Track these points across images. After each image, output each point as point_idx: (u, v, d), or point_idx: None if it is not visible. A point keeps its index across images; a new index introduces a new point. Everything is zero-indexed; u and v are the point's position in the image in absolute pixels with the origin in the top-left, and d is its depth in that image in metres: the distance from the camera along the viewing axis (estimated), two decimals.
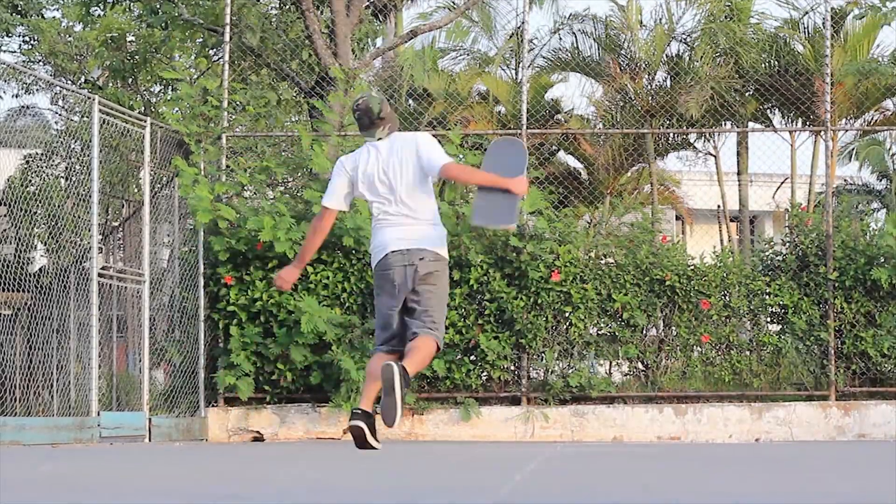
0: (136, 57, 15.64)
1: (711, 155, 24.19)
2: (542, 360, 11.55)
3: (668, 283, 11.53)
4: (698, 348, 11.73)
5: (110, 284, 10.89)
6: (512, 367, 11.61)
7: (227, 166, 11.75)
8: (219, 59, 13.94)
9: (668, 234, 12.58)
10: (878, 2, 12.44)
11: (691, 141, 24.07)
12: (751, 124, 23.74)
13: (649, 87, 22.87)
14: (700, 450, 8.46)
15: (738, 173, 24.09)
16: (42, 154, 13.26)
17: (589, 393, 11.42)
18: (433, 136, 7.77)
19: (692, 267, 11.69)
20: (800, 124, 23.28)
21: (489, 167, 7.54)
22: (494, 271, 11.43)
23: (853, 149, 28.94)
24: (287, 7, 15.14)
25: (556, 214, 11.86)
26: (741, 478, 4.79)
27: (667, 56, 22.91)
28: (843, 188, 27.00)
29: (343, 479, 4.92)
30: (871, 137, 28.08)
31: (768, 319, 11.92)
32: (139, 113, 13.93)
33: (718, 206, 22.77)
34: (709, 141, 24.04)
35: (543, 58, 23.19)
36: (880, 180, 29.31)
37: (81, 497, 4.03)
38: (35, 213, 11.32)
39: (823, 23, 12.64)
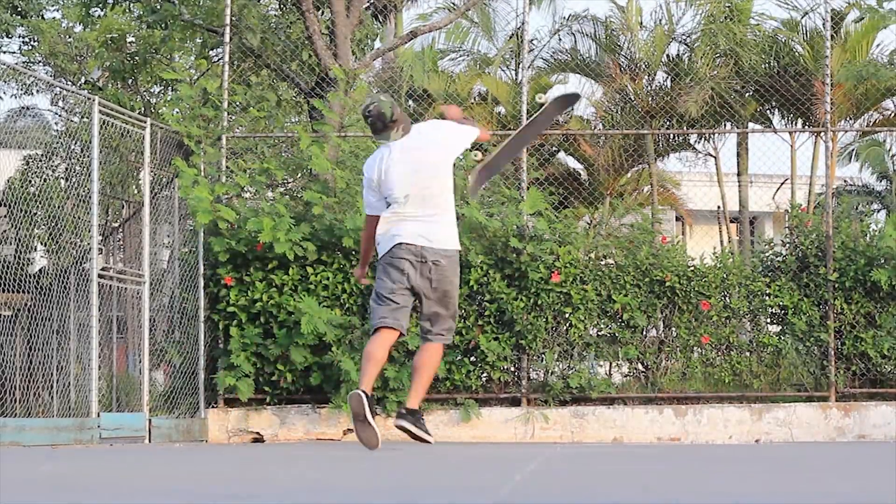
0: (136, 58, 15.65)
1: (711, 156, 24.20)
2: (542, 361, 11.55)
3: (668, 284, 11.53)
4: (698, 349, 11.72)
5: (110, 285, 10.89)
6: (512, 368, 11.61)
7: (227, 167, 11.75)
8: (219, 59, 13.94)
9: (669, 235, 12.57)
10: (875, 3, 12.45)
11: (691, 142, 24.08)
12: (751, 125, 23.75)
13: (649, 87, 22.88)
14: (700, 451, 8.46)
15: (738, 174, 24.10)
16: (42, 155, 13.27)
17: (589, 394, 11.42)
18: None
19: (692, 268, 11.69)
20: (800, 125, 23.28)
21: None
22: (494, 272, 11.43)
23: (853, 149, 28.96)
24: (287, 8, 15.14)
25: (556, 215, 11.86)
26: (741, 478, 4.79)
27: (667, 57, 22.92)
28: (843, 189, 27.01)
29: (343, 480, 4.92)
30: (871, 138, 28.09)
31: (768, 320, 11.91)
32: (139, 114, 13.92)
33: (718, 207, 22.77)
34: (709, 142, 24.05)
35: (543, 59, 23.20)
36: (880, 181, 29.32)
37: (81, 497, 4.03)
38: (35, 214, 11.32)
39: (823, 24, 12.65)
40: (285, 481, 4.76)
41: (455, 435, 11.28)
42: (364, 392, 7.36)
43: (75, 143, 12.60)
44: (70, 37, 19.50)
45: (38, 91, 19.74)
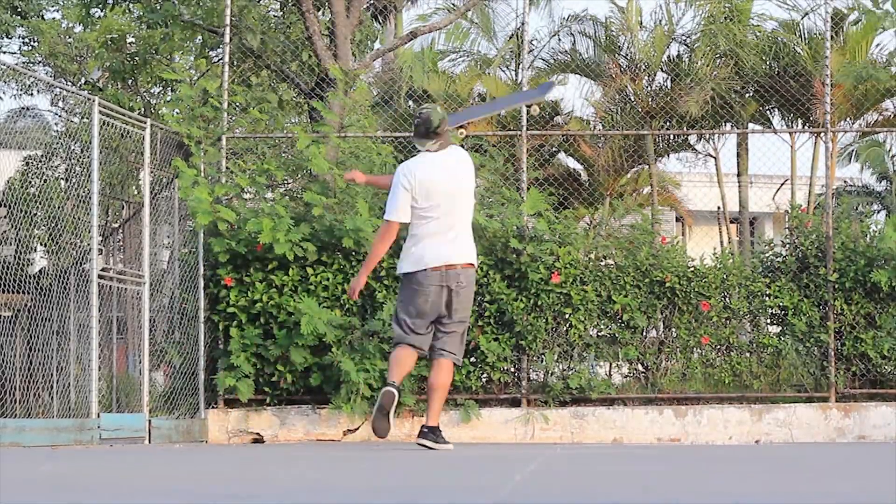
0: (136, 58, 15.65)
1: (711, 156, 24.20)
2: (542, 361, 11.54)
3: (668, 284, 11.53)
4: (698, 350, 11.72)
5: (110, 286, 10.89)
6: (512, 369, 11.61)
7: (227, 168, 11.75)
8: (219, 60, 13.95)
9: (668, 236, 12.57)
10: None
11: (691, 142, 24.09)
12: (751, 126, 23.76)
13: (649, 88, 22.89)
14: (700, 451, 8.46)
15: (738, 175, 24.11)
16: (42, 155, 13.27)
17: (589, 395, 11.41)
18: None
19: (692, 268, 11.69)
20: (800, 125, 23.29)
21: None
22: (494, 273, 11.43)
23: (853, 150, 28.97)
24: (287, 8, 15.15)
25: (556, 216, 11.86)
26: (741, 479, 4.79)
27: (667, 57, 22.93)
28: (842, 190, 27.02)
29: (343, 480, 4.92)
30: (871, 139, 28.10)
31: (768, 321, 11.91)
32: (139, 114, 13.92)
33: (718, 208, 22.78)
34: (709, 142, 24.06)
35: (543, 60, 23.21)
36: (880, 182, 29.34)
37: (81, 498, 4.03)
38: (35, 214, 11.32)
39: (824, 24, 12.64)
40: (285, 481, 4.76)
41: (455, 435, 11.27)
42: (398, 390, 7.81)
43: (75, 143, 12.61)
44: (70, 37, 19.51)
45: (38, 91, 19.74)
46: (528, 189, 11.80)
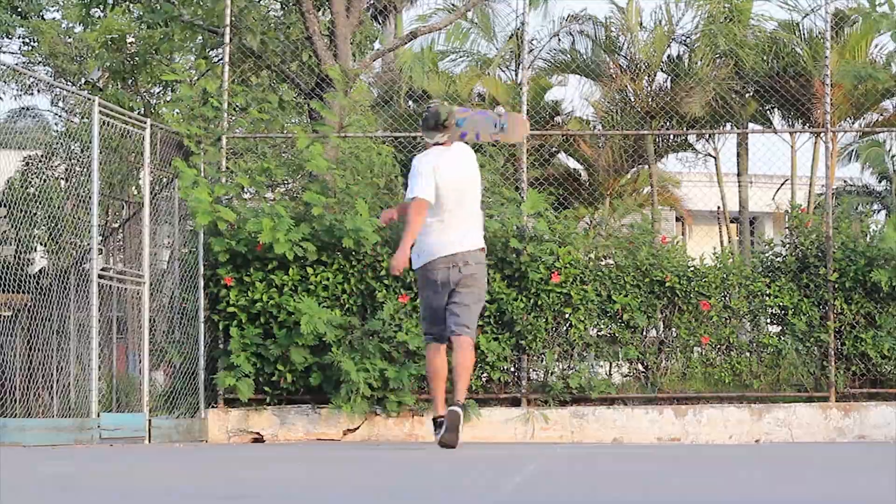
0: (136, 58, 15.65)
1: (711, 156, 24.20)
2: (542, 361, 11.54)
3: (668, 284, 11.53)
4: (698, 349, 11.72)
5: (110, 286, 10.88)
6: (512, 369, 11.61)
7: (227, 168, 11.75)
8: (219, 60, 13.94)
9: (668, 235, 12.57)
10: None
11: (691, 142, 24.08)
12: (751, 125, 23.75)
13: (649, 88, 22.88)
14: (700, 451, 8.46)
15: (738, 174, 24.10)
16: (42, 155, 13.27)
17: (589, 394, 11.41)
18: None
19: (692, 268, 11.69)
20: (800, 125, 23.28)
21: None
22: (494, 272, 11.43)
23: (853, 150, 28.96)
24: (288, 8, 15.14)
25: (556, 216, 11.86)
26: (741, 479, 4.79)
27: (667, 57, 22.92)
28: (843, 190, 27.02)
29: (343, 480, 4.92)
30: (871, 139, 28.09)
31: (768, 321, 11.91)
32: (139, 114, 13.92)
33: (718, 208, 22.77)
34: (709, 142, 24.05)
35: (543, 59, 23.21)
36: (880, 182, 29.33)
37: (81, 497, 4.04)
38: (35, 214, 11.32)
39: (825, 24, 12.64)
40: (285, 481, 4.76)
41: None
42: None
43: (75, 143, 12.61)
44: (70, 37, 19.51)
45: (38, 91, 19.74)
46: (528, 189, 11.80)
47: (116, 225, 13.52)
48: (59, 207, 11.72)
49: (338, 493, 4.16)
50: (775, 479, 4.69)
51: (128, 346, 12.69)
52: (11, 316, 11.37)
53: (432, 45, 24.05)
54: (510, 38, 23.34)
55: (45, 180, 12.66)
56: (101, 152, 10.57)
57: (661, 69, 22.96)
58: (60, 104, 19.78)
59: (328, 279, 11.38)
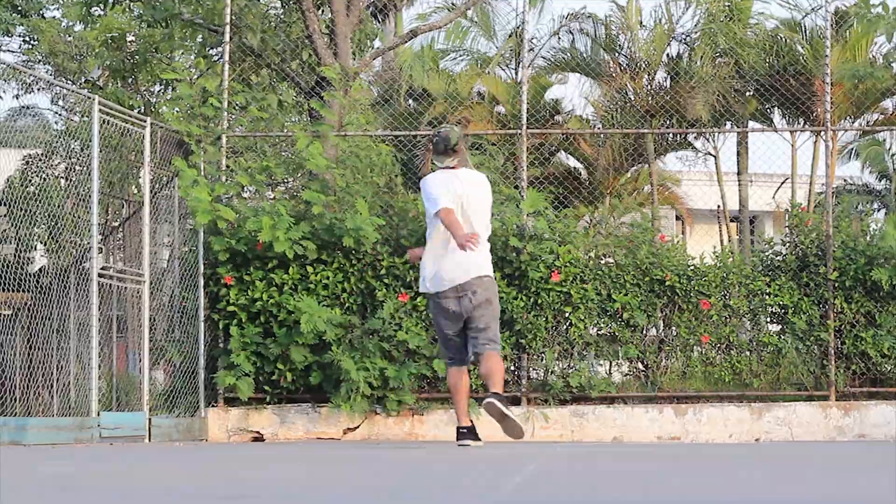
0: (136, 57, 15.64)
1: (711, 155, 24.20)
2: (542, 360, 11.54)
3: (668, 283, 11.53)
4: (698, 348, 11.72)
5: (110, 284, 10.88)
6: (512, 368, 11.60)
7: (227, 166, 11.75)
8: (219, 59, 13.94)
9: (668, 234, 12.57)
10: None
11: (691, 141, 24.08)
12: (751, 124, 23.75)
13: (649, 87, 22.88)
14: (700, 450, 8.46)
15: (738, 173, 24.10)
16: (42, 154, 13.26)
17: (589, 393, 11.41)
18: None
19: (692, 267, 11.69)
20: (800, 124, 23.28)
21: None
22: (495, 272, 11.40)
23: (853, 148, 28.96)
24: (288, 7, 15.14)
25: (556, 215, 11.86)
26: (741, 478, 4.79)
27: (667, 56, 22.92)
28: (843, 188, 27.02)
29: (343, 480, 4.92)
30: (871, 137, 28.08)
31: (768, 319, 11.91)
32: (139, 113, 13.92)
33: (718, 206, 22.77)
34: (709, 141, 24.05)
35: (543, 58, 23.20)
36: (880, 181, 29.33)
37: (81, 496, 4.04)
38: (35, 213, 11.31)
39: (825, 23, 12.64)
40: (285, 481, 4.76)
41: (455, 434, 11.26)
42: (469, 433, 8.59)
43: (75, 142, 12.60)
44: (70, 36, 19.49)
45: (38, 90, 19.72)
46: (528, 188, 11.80)
47: (116, 224, 13.52)
48: (59, 206, 11.72)
49: (338, 493, 4.16)
50: (775, 478, 4.69)
51: (128, 344, 12.69)
52: (11, 315, 11.37)
53: (432, 43, 24.06)
54: (510, 36, 23.34)
55: (45, 179, 12.66)
56: (101, 151, 10.57)
57: (662, 68, 22.96)
58: (60, 103, 19.76)
59: (328, 278, 11.38)
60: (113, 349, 11.96)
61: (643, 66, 22.61)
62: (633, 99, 22.63)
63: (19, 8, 20.98)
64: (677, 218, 27.28)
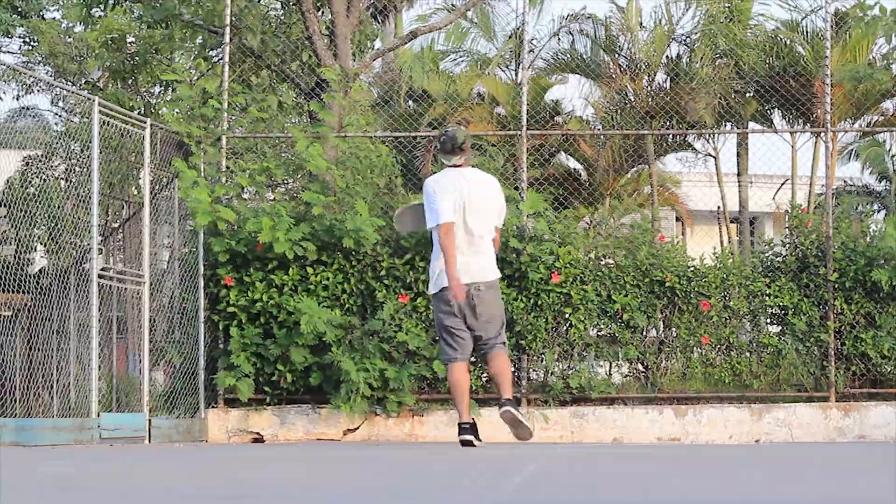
0: (137, 58, 15.65)
1: (711, 156, 24.20)
2: (542, 361, 11.54)
3: (668, 284, 11.53)
4: (698, 349, 11.71)
5: (110, 286, 10.89)
6: (512, 369, 11.58)
7: (227, 167, 11.75)
8: (219, 60, 13.94)
9: (668, 235, 12.57)
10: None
11: (691, 142, 24.09)
12: (751, 125, 23.75)
13: (649, 88, 22.88)
14: (700, 451, 8.46)
15: (738, 174, 24.11)
16: (42, 155, 13.26)
17: (589, 394, 11.41)
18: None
19: (692, 268, 11.68)
20: (800, 125, 23.28)
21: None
22: None
23: (853, 149, 28.96)
24: (288, 8, 15.14)
25: (556, 216, 11.86)
26: (741, 479, 4.79)
27: (667, 57, 22.93)
28: (843, 190, 27.02)
29: (343, 480, 4.92)
30: (871, 138, 28.09)
31: (768, 321, 11.90)
32: (139, 114, 13.92)
33: (718, 208, 22.78)
34: (709, 142, 24.05)
35: (543, 59, 23.21)
36: (880, 182, 29.33)
37: (81, 497, 4.04)
38: (35, 214, 11.31)
39: (825, 24, 12.64)
40: (285, 481, 4.76)
41: (455, 435, 11.26)
42: (471, 429, 8.67)
43: (75, 143, 12.60)
44: (70, 37, 19.50)
45: (38, 91, 19.74)
46: (528, 189, 11.80)
47: (116, 225, 13.52)
48: (59, 207, 11.72)
49: (338, 494, 4.16)
50: (775, 479, 4.70)
51: (128, 346, 12.70)
52: (11, 316, 11.38)
53: (432, 44, 24.08)
54: (510, 37, 23.35)
55: (45, 180, 12.66)
56: (101, 152, 10.57)
57: (662, 69, 22.97)
58: (60, 104, 19.77)
59: (328, 279, 11.38)
60: (113, 350, 11.96)
61: (643, 67, 22.62)
62: (633, 100, 22.64)
63: (19, 9, 20.99)
64: (677, 219, 27.28)
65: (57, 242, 11.70)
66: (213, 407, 11.51)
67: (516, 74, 23.47)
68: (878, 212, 26.95)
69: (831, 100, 12.23)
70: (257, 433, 11.40)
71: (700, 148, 24.15)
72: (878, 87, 21.73)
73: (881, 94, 22.53)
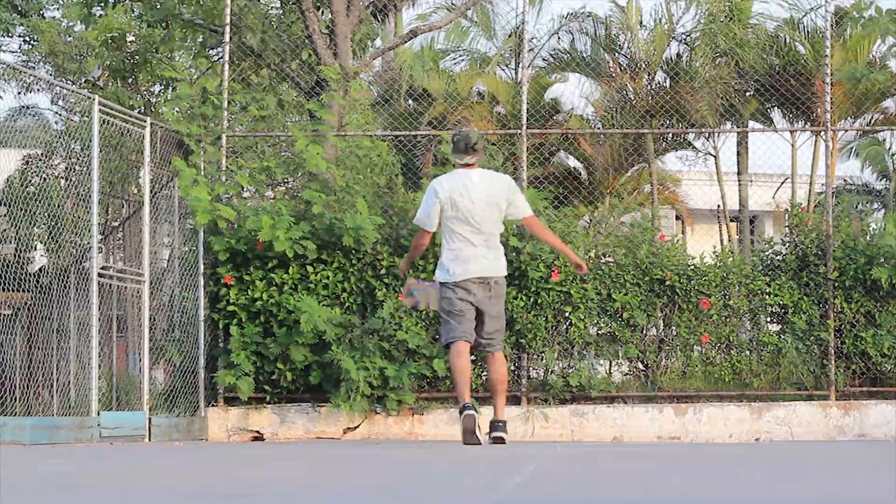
0: (137, 57, 15.64)
1: (711, 155, 24.20)
2: (541, 359, 11.54)
3: (668, 282, 11.53)
4: (698, 348, 11.71)
5: (110, 284, 10.89)
6: (512, 367, 11.60)
7: (227, 166, 11.74)
8: (219, 59, 13.94)
9: (668, 234, 12.57)
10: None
11: (691, 140, 24.09)
12: (751, 124, 23.75)
13: (649, 87, 22.88)
14: (700, 449, 8.46)
15: (738, 173, 24.11)
16: (42, 154, 13.26)
17: (589, 393, 11.41)
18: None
19: (692, 266, 11.68)
20: (800, 124, 23.29)
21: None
22: None
23: (853, 148, 28.96)
24: (288, 7, 15.14)
25: (555, 214, 11.85)
26: (741, 478, 4.79)
27: (666, 57, 22.93)
28: (843, 188, 27.02)
29: (343, 480, 4.92)
30: (871, 137, 28.09)
31: (768, 319, 11.91)
32: (139, 113, 13.92)
33: (718, 206, 22.78)
34: (709, 140, 24.06)
35: (543, 58, 23.22)
36: (880, 180, 29.33)
37: (81, 496, 4.04)
38: (35, 212, 11.32)
39: (825, 23, 12.64)
40: (285, 480, 4.76)
41: (455, 434, 11.26)
42: (474, 408, 8.71)
43: (75, 142, 12.60)
44: (70, 36, 19.50)
45: (38, 90, 19.73)
46: (527, 187, 11.80)
47: (116, 223, 13.53)
48: (58, 206, 11.72)
49: (338, 492, 4.16)
50: (775, 477, 4.70)
51: (128, 344, 12.70)
52: (11, 314, 11.38)
53: (432, 43, 24.08)
54: (510, 36, 23.35)
55: (44, 179, 12.66)
56: (100, 151, 10.57)
57: (661, 68, 22.97)
58: (60, 103, 19.76)
59: (328, 277, 11.38)
60: (113, 349, 11.96)
61: (643, 65, 22.62)
62: (633, 99, 22.64)
63: (19, 8, 20.99)
64: (677, 217, 27.28)
65: (57, 241, 11.70)
66: (213, 405, 11.51)
67: (516, 73, 23.47)
68: (878, 210, 26.95)
69: (831, 98, 12.23)
70: (257, 432, 11.41)
71: (700, 146, 24.17)
72: (877, 85, 21.74)
73: (881, 93, 22.54)
